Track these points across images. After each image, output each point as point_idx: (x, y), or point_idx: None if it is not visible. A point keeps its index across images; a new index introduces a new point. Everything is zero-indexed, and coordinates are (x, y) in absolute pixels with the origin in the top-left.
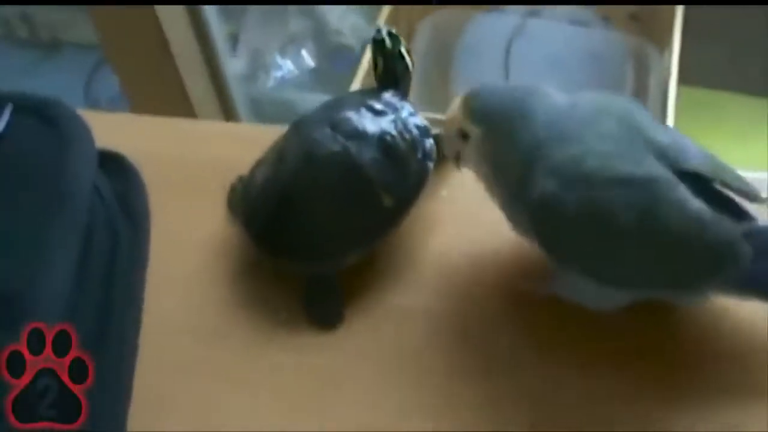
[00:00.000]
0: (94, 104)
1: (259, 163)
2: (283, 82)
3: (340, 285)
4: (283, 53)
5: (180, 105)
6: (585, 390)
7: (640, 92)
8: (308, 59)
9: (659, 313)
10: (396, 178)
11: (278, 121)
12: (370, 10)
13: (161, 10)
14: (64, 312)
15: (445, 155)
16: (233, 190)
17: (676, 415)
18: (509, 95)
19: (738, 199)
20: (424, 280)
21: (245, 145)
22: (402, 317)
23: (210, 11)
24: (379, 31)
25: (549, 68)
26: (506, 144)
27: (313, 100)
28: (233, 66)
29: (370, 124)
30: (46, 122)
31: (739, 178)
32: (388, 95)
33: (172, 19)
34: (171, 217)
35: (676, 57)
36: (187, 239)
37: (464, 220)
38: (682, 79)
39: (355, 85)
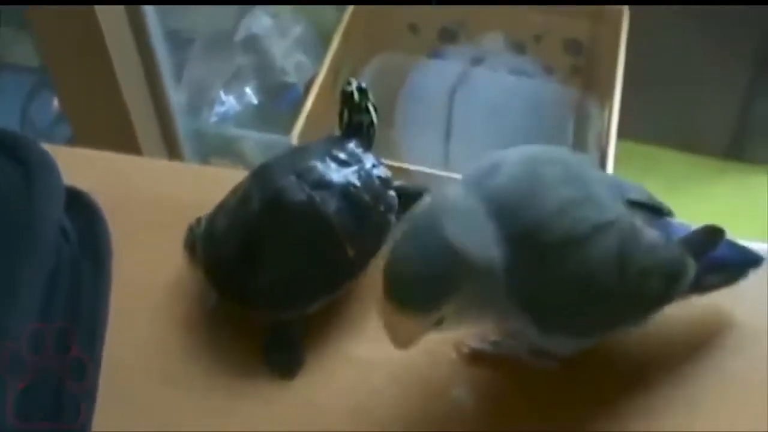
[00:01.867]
0: (30, 129)
1: (220, 208)
2: (225, 117)
3: (299, 333)
4: (226, 89)
5: (123, 134)
6: None
7: (579, 145)
8: (251, 96)
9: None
10: (359, 230)
11: (220, 156)
12: (316, 49)
13: (109, 36)
14: (27, 359)
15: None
16: (191, 231)
17: None
18: (426, 254)
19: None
20: (383, 331)
21: (206, 186)
22: (360, 367)
23: (158, 40)
24: (349, 83)
25: (491, 117)
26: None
27: (255, 137)
28: (176, 98)
29: (335, 174)
30: (11, 158)
31: (649, 194)
32: (351, 145)
33: (119, 45)
34: (130, 258)
35: (616, 112)
36: (146, 280)
37: None
38: (621, 133)
39: (298, 125)
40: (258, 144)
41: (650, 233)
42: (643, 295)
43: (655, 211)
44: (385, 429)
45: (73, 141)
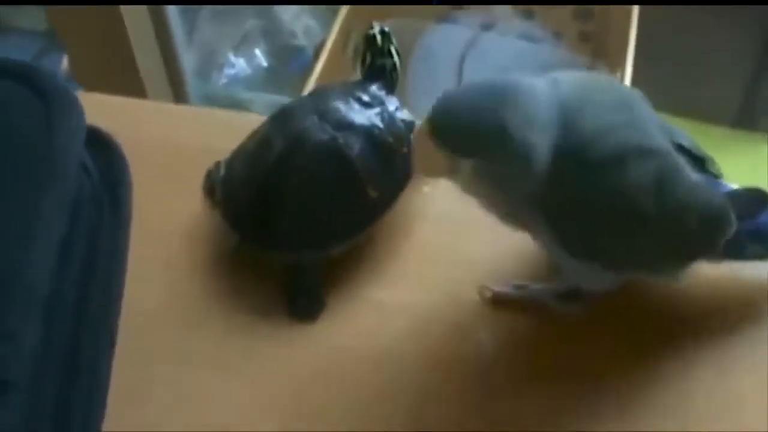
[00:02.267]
0: None
1: (239, 150)
2: (235, 80)
3: (321, 277)
4: (236, 51)
5: (134, 96)
6: (559, 385)
7: None
8: (261, 59)
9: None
10: (382, 171)
11: None
12: (325, 13)
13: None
14: (47, 293)
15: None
16: (210, 175)
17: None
18: (481, 109)
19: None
20: (404, 274)
21: (226, 130)
22: (381, 311)
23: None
24: (371, 27)
25: None
26: (507, 165)
27: (264, 100)
28: (186, 61)
29: (358, 116)
30: (32, 91)
31: (698, 145)
32: (374, 88)
33: (132, 7)
34: (149, 201)
35: (628, 80)
36: (166, 224)
37: (444, 216)
38: None
39: (308, 87)
40: (268, 107)
41: (694, 175)
42: (679, 233)
43: (701, 164)
44: (405, 373)
45: None
